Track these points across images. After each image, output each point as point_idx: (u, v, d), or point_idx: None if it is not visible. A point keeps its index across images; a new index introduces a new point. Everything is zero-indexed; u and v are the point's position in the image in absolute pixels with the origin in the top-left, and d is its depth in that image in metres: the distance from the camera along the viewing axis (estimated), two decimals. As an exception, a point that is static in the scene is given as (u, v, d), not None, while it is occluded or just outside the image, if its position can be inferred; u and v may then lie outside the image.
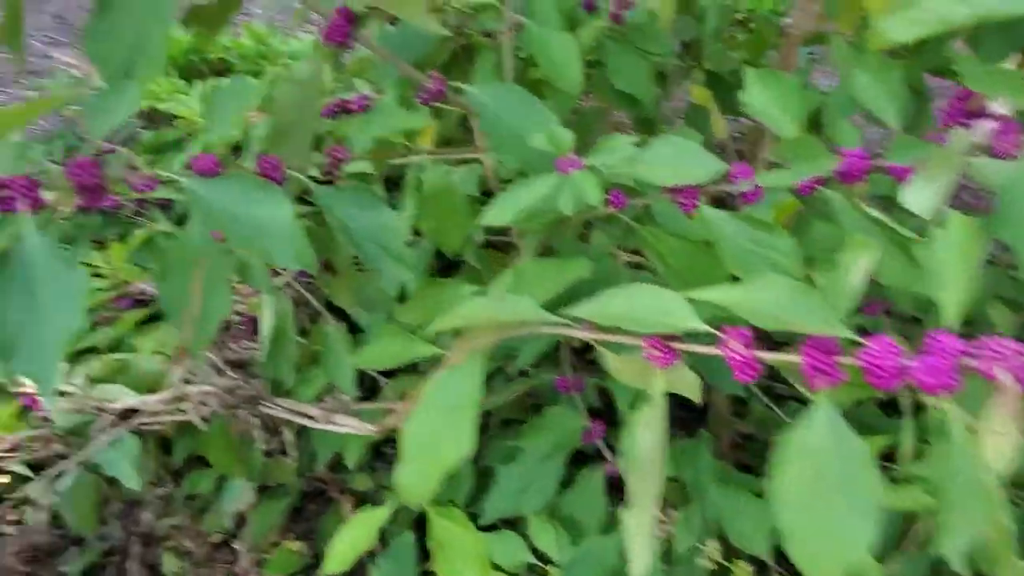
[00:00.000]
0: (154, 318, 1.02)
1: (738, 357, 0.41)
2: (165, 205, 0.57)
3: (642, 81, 0.88)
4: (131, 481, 0.69)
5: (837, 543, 0.34)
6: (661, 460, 0.40)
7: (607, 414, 0.80)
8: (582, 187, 0.53)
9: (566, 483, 0.76)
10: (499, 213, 0.55)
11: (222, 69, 1.78)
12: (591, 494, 0.74)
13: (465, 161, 0.82)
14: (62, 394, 0.79)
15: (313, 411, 0.62)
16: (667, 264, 0.58)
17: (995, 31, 0.56)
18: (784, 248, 0.53)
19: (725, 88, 1.09)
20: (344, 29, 0.61)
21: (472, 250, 0.83)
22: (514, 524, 0.76)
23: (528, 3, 0.78)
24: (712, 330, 0.41)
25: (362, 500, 0.91)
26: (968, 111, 0.58)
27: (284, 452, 0.71)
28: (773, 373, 0.44)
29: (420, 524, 0.71)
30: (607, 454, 0.78)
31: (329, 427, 0.60)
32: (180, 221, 1.08)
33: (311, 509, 0.97)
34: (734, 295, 0.40)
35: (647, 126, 0.99)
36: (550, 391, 0.82)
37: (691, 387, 0.46)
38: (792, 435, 0.37)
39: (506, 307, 0.45)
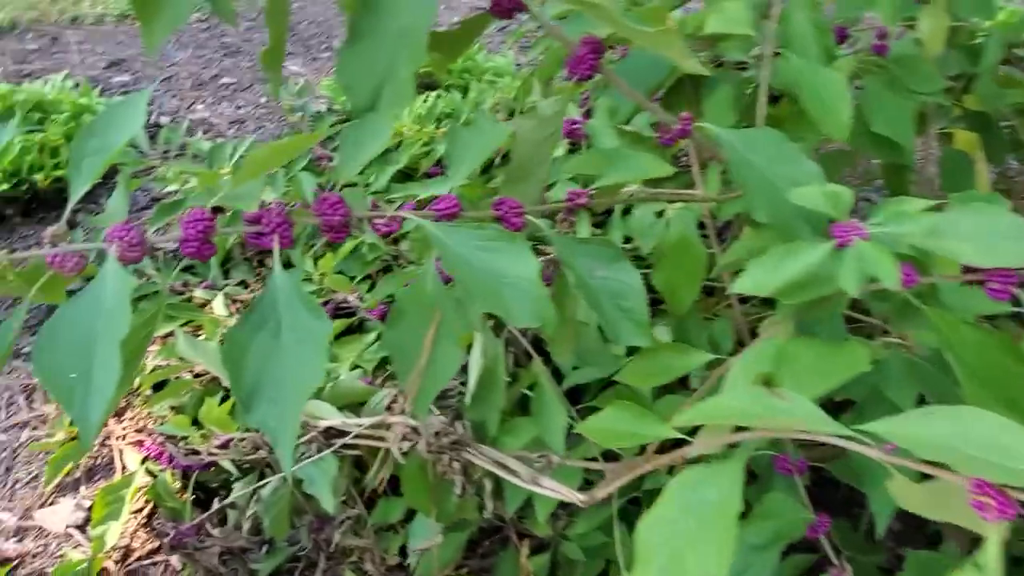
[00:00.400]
0: (350, 331, 1.05)
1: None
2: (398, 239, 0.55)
3: (905, 124, 0.76)
4: (327, 502, 0.69)
5: None
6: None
7: (821, 496, 0.70)
8: (870, 261, 0.44)
9: (779, 580, 0.66)
10: (758, 283, 0.48)
11: (429, 83, 1.83)
12: (811, 600, 0.64)
13: (681, 199, 0.75)
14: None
15: (519, 467, 0.58)
16: (962, 361, 0.47)
17: None
18: None
19: (993, 133, 0.93)
20: (591, 61, 0.56)
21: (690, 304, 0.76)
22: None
23: (784, 34, 0.70)
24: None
25: (539, 547, 0.87)
26: None
27: (476, 494, 0.68)
28: None
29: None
30: (831, 554, 0.67)
31: (537, 489, 0.56)
32: (396, 240, 1.10)
33: (486, 545, 0.94)
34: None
35: (899, 175, 0.86)
36: (765, 468, 0.73)
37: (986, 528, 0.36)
38: None
39: (781, 410, 0.38)
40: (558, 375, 0.75)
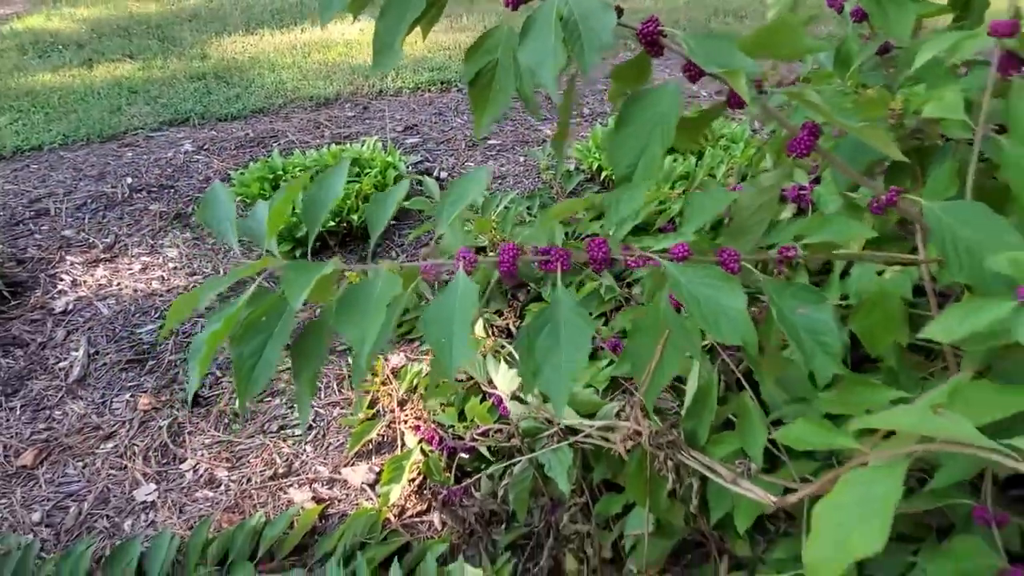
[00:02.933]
0: (591, 356, 1.23)
1: None
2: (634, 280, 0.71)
3: None
4: (563, 484, 0.87)
5: None
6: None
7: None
8: (1045, 320, 0.52)
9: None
10: (945, 330, 0.57)
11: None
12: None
13: (898, 262, 0.82)
14: (521, 402, 1.02)
15: (722, 469, 0.70)
16: None
17: None
18: None
19: None
20: (808, 143, 0.69)
21: (895, 351, 0.83)
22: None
23: (1008, 110, 0.76)
24: None
25: (738, 565, 0.96)
26: None
27: (684, 499, 0.81)
28: None
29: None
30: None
31: (733, 487, 0.68)
32: (629, 284, 1.27)
33: (689, 557, 1.06)
34: None
35: None
36: (962, 519, 0.77)
37: None
38: None
39: (941, 423, 0.48)
40: (766, 409, 0.86)
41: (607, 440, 0.87)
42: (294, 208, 1.78)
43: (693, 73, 0.69)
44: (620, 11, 0.71)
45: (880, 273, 0.90)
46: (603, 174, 2.07)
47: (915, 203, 0.68)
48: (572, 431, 0.92)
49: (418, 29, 0.76)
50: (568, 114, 0.77)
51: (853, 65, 0.95)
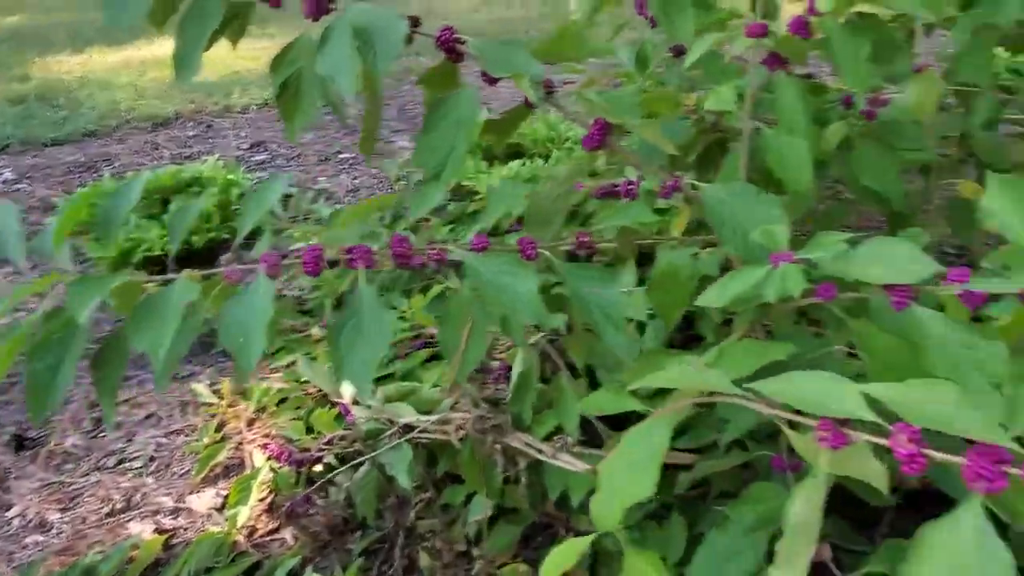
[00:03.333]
0: (436, 357, 1.26)
1: (904, 451, 0.44)
2: (458, 266, 0.75)
3: (890, 177, 0.89)
4: (403, 479, 0.88)
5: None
6: (815, 530, 0.45)
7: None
8: (786, 279, 0.60)
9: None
10: (713, 296, 0.64)
11: (517, 152, 2.07)
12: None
13: (711, 245, 0.91)
14: (367, 406, 1.03)
15: (543, 447, 0.75)
16: (873, 357, 0.61)
17: None
18: (995, 354, 0.54)
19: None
20: (599, 138, 0.75)
21: (711, 327, 0.91)
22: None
23: (775, 106, 0.86)
24: (881, 422, 0.45)
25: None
26: None
27: (518, 480, 0.85)
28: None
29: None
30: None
31: (554, 461, 0.73)
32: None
33: (539, 540, 1.10)
34: (901, 393, 0.44)
35: (900, 221, 0.98)
36: (764, 470, 0.85)
37: (876, 475, 0.49)
38: (936, 534, 0.40)
39: (703, 377, 0.54)
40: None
41: (446, 433, 0.89)
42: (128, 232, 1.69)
43: (488, 78, 0.73)
44: (417, 21, 0.74)
45: (695, 256, 0.99)
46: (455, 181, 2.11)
47: (695, 187, 0.75)
48: (412, 428, 0.94)
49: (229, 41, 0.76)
50: (375, 121, 0.79)
51: (650, 66, 1.04)
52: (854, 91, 0.89)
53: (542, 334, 0.88)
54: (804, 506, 0.45)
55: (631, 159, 0.79)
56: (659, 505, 0.95)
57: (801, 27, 0.78)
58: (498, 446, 0.78)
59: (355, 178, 2.33)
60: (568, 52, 0.76)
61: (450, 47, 0.74)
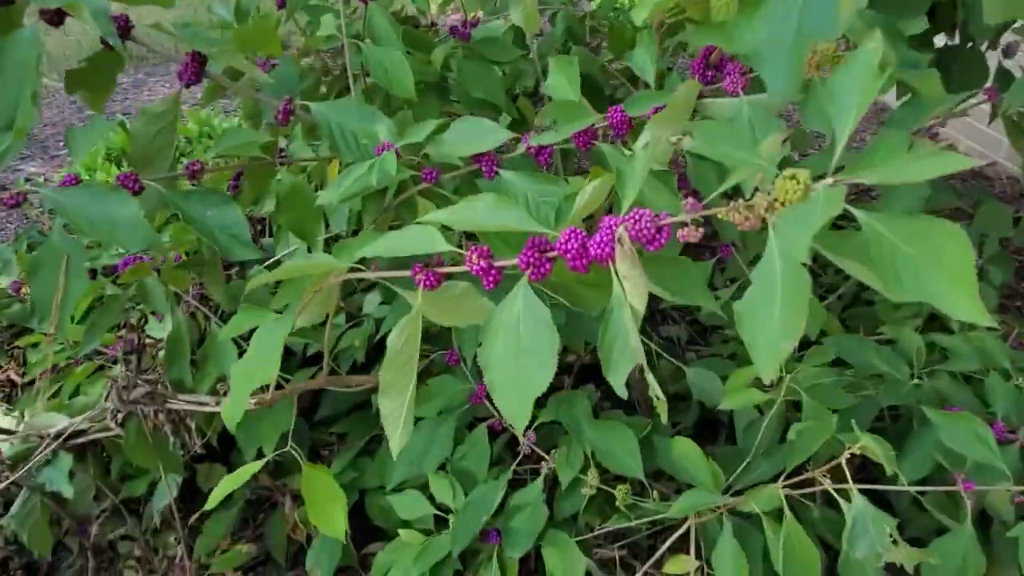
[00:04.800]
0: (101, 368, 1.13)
1: (477, 267, 0.49)
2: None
3: (494, 87, 0.99)
4: (65, 489, 0.78)
5: (525, 389, 0.42)
6: (413, 358, 0.48)
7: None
8: (384, 164, 0.64)
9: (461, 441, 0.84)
10: (329, 195, 0.66)
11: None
12: (479, 447, 0.82)
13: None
14: (7, 431, 0.89)
15: (207, 399, 0.71)
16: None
17: None
18: (558, 192, 0.63)
19: (592, 87, 1.20)
20: (194, 71, 0.73)
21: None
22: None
23: (369, 28, 0.90)
24: (458, 250, 0.51)
25: (299, 496, 0.99)
26: (710, 64, 0.67)
27: (182, 444, 0.78)
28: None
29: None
30: (494, 411, 0.86)
31: (218, 409, 0.69)
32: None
33: (260, 517, 1.05)
34: (453, 212, 0.50)
35: (520, 126, 1.10)
36: (442, 366, 0.91)
37: (479, 313, 0.54)
38: (499, 314, 0.46)
39: (312, 259, 0.55)
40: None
41: (107, 428, 0.81)
42: None
43: (48, 14, 0.67)
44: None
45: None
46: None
47: (305, 106, 0.76)
48: (73, 434, 0.83)
49: None
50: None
51: (250, 13, 1.03)
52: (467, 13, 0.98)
53: (190, 294, 0.84)
54: (402, 338, 0.49)
55: (242, 91, 0.77)
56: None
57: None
58: (162, 415, 0.73)
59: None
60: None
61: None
